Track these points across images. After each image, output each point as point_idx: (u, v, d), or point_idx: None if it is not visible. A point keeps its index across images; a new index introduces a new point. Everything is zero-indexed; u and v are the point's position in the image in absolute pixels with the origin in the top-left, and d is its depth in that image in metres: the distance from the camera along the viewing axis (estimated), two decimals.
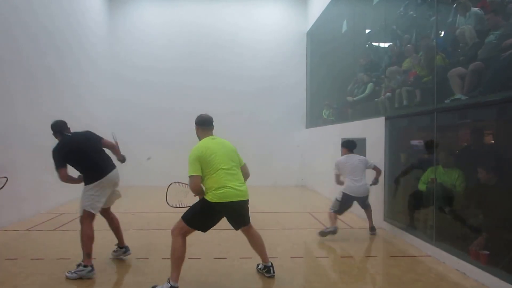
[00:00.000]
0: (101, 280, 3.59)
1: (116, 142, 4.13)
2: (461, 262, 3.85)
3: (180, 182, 3.72)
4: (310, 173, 10.50)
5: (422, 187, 4.78)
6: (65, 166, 3.68)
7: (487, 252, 3.57)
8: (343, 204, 5.19)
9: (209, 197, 3.24)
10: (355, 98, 7.70)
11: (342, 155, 5.41)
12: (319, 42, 10.73)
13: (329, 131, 8.79)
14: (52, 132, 3.89)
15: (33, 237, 5.17)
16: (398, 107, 5.61)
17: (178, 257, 3.21)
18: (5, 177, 4.16)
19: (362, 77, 7.57)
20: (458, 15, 4.65)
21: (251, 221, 3.59)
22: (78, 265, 3.60)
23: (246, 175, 3.57)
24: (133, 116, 10.98)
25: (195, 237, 3.58)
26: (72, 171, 3.80)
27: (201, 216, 3.30)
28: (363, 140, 6.50)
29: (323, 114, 9.68)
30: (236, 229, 3.56)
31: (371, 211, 5.38)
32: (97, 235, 3.74)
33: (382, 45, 7.44)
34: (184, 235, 3.27)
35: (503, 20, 3.89)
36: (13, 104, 6.09)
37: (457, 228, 4.29)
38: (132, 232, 4.44)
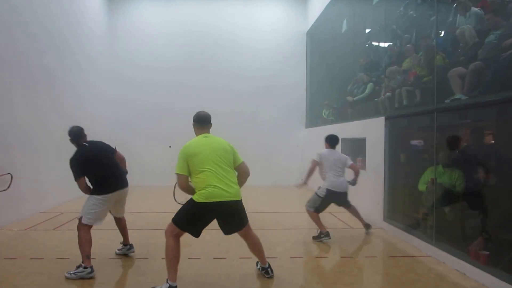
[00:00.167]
0: (101, 280, 3.58)
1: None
2: (461, 263, 3.84)
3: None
4: None
5: (422, 187, 4.77)
6: (84, 176, 3.70)
7: (487, 252, 3.57)
8: (324, 201, 5.06)
9: (196, 196, 3.16)
10: (355, 98, 7.70)
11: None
12: (319, 42, 10.72)
13: (329, 131, 8.70)
14: (69, 138, 3.89)
15: (32, 237, 5.17)
16: (398, 107, 5.60)
17: (172, 258, 3.18)
18: (9, 173, 4.17)
19: (362, 77, 7.57)
20: (458, 15, 4.64)
21: (250, 223, 3.49)
22: (78, 266, 3.60)
23: (245, 174, 3.44)
24: (133, 116, 10.97)
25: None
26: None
27: (190, 216, 3.21)
28: (363, 140, 6.49)
29: (323, 114, 9.67)
30: (226, 233, 3.39)
31: (355, 208, 5.30)
32: (96, 235, 3.74)
33: (382, 45, 7.42)
34: (176, 236, 3.22)
35: (503, 20, 3.89)
36: (12, 104, 6.08)
37: (457, 228, 4.28)
38: (132, 232, 4.43)
